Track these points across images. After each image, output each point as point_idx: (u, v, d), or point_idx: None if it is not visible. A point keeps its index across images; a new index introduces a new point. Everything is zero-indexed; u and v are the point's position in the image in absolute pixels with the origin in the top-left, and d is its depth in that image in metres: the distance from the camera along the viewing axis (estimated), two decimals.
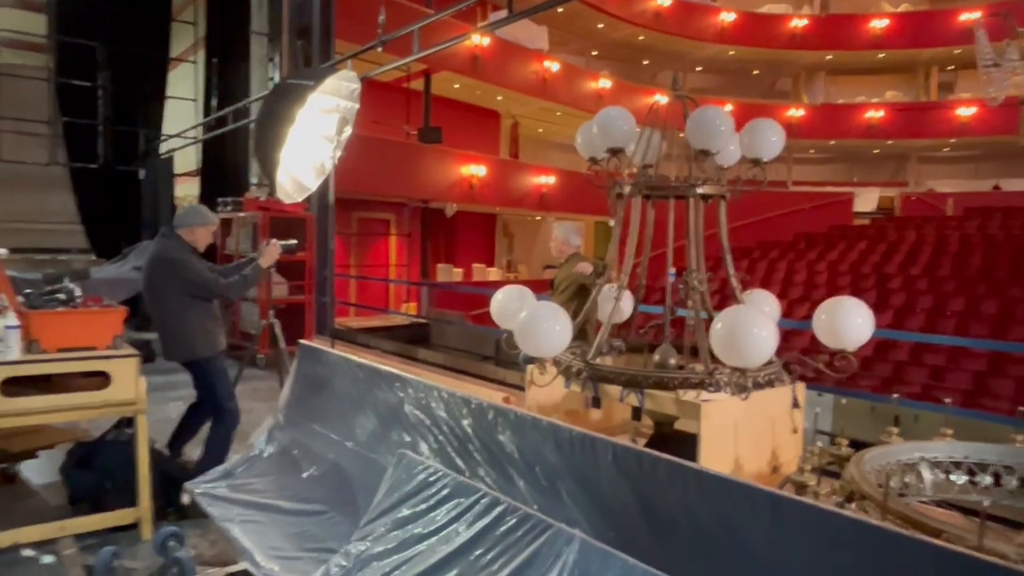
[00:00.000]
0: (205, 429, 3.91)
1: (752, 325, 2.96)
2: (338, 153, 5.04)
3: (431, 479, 1.82)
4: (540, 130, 19.53)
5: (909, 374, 9.06)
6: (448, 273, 14.42)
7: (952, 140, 20.68)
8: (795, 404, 3.83)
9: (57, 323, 3.13)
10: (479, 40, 13.49)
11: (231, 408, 3.69)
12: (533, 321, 3.33)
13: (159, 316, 3.68)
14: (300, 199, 4.99)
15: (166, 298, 3.62)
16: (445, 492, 1.78)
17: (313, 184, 5.07)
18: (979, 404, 7.61)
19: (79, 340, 3.17)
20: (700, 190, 3.62)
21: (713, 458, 3.35)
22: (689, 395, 3.34)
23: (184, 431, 3.96)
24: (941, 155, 22.35)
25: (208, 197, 10.53)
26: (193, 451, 4.19)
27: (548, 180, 15.57)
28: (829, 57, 20.92)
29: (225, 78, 10.95)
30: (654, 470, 1.62)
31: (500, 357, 11.81)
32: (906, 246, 15.48)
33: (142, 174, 11.12)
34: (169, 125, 11.72)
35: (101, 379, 3.17)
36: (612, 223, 3.83)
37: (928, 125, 20.43)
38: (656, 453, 1.76)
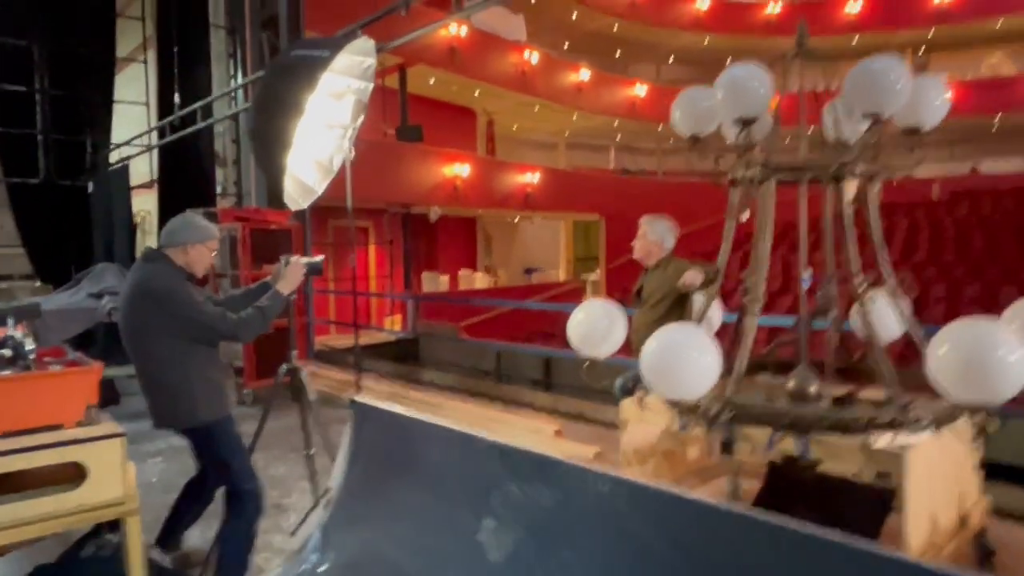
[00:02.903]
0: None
1: (997, 347, 2.14)
2: (349, 145, 4.11)
3: None
4: (514, 127, 18.68)
5: None
6: (434, 282, 13.44)
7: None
8: (980, 433, 3.04)
9: (1, 394, 2.15)
10: (456, 30, 12.56)
11: (251, 489, 2.70)
12: (673, 353, 2.46)
13: (145, 369, 2.68)
14: (306, 205, 4.04)
15: (154, 344, 2.63)
16: None
17: (320, 186, 4.12)
18: None
19: (36, 417, 2.19)
20: (857, 170, 2.81)
21: (920, 521, 2.54)
22: (883, 440, 2.52)
23: (181, 518, 2.95)
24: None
25: (169, 210, 9.40)
26: (193, 534, 3.21)
27: (533, 178, 14.71)
28: None
29: (181, 78, 9.79)
30: None
31: (502, 372, 10.91)
32: (901, 233, 15.07)
33: (91, 187, 9.92)
34: (118, 133, 10.52)
35: (72, 471, 2.18)
36: (744, 216, 2.99)
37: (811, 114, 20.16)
38: None
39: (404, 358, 11.67)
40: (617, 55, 20.80)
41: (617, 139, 21.95)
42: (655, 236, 3.70)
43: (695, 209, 17.38)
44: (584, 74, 16.80)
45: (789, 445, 2.79)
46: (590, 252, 20.69)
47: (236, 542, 2.63)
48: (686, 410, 2.65)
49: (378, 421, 2.26)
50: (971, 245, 13.62)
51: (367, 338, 12.10)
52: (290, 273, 2.93)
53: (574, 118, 17.89)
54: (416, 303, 12.21)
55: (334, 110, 4.03)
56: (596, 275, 18.02)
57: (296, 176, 3.93)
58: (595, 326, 3.10)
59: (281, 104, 3.40)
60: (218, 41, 10.25)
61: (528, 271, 19.16)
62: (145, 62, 10.96)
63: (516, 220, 19.02)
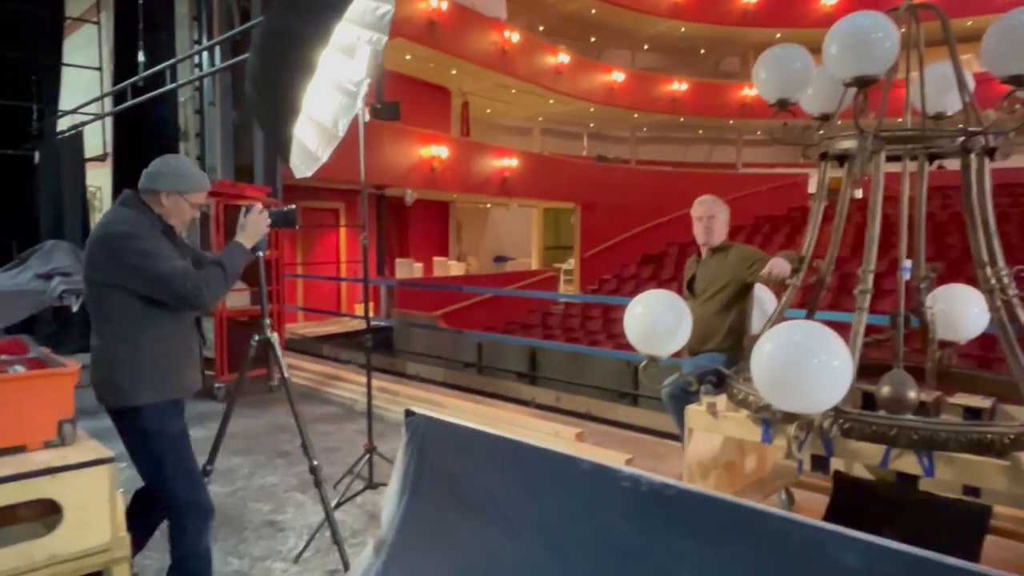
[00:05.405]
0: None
1: None
2: (361, 104, 3.58)
3: None
4: (488, 111, 18.11)
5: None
6: (408, 268, 12.84)
7: (899, 119, 20.61)
8: None
9: None
10: (437, 3, 11.94)
11: (195, 500, 2.18)
12: (800, 357, 2.02)
13: (97, 330, 2.24)
14: (310, 173, 3.51)
15: (108, 299, 2.21)
16: None
17: (324, 153, 3.60)
18: None
19: None
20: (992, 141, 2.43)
21: None
22: None
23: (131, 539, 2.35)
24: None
25: (124, 187, 8.61)
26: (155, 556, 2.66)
27: (511, 163, 14.17)
28: (778, 35, 20.38)
29: (139, 42, 8.96)
30: None
31: (483, 364, 10.44)
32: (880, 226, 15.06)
33: (38, 157, 9.03)
34: (67, 102, 9.63)
35: (42, 508, 1.64)
36: (854, 193, 2.58)
37: (876, 104, 20.25)
38: None
39: (377, 347, 11.09)
40: (592, 41, 20.37)
41: (590, 126, 21.58)
42: (724, 216, 3.26)
43: (670, 198, 17.13)
44: (564, 57, 16.30)
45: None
46: (560, 240, 20.28)
47: (187, 570, 2.11)
48: (804, 424, 2.22)
49: (448, 442, 1.75)
50: (950, 239, 13.64)
51: (337, 326, 11.49)
52: (251, 223, 2.45)
53: (551, 102, 17.41)
54: (391, 290, 11.63)
55: (341, 66, 3.48)
56: (570, 264, 17.63)
57: (299, 139, 3.38)
58: (659, 321, 2.66)
59: (291, 56, 2.83)
60: (181, 3, 9.45)
61: (499, 259, 18.67)
62: (98, 23, 10.06)
63: (487, 207, 18.49)
